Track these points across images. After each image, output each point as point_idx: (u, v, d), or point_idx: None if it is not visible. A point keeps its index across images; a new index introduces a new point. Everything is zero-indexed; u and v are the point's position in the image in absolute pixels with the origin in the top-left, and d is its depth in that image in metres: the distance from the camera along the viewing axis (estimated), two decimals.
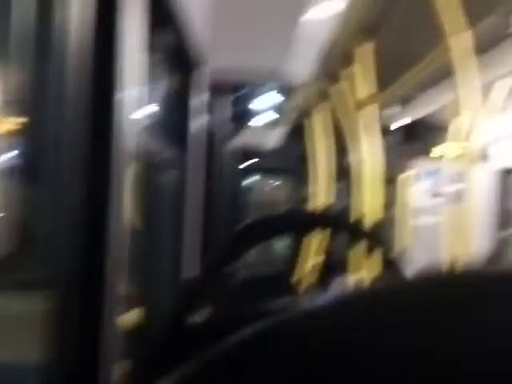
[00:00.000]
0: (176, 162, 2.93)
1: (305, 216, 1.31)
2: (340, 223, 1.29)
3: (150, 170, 2.54)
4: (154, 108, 2.61)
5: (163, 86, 2.71)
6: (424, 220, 8.18)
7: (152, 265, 2.63)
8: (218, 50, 3.00)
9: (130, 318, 2.24)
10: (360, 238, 1.39)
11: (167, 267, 2.78)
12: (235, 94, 3.76)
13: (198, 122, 3.14)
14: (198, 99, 3.05)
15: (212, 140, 3.48)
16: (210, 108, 3.46)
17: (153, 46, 2.43)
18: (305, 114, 7.75)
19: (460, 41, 3.22)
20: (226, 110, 3.90)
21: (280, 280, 5.11)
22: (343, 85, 5.75)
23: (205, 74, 2.99)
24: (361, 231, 1.31)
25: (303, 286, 7.41)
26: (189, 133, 2.98)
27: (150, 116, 2.46)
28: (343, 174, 9.46)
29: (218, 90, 3.51)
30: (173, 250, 2.86)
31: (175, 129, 2.95)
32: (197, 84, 2.95)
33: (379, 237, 1.29)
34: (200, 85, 3.01)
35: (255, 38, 3.01)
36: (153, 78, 2.68)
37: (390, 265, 1.31)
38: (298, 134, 8.25)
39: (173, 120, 2.93)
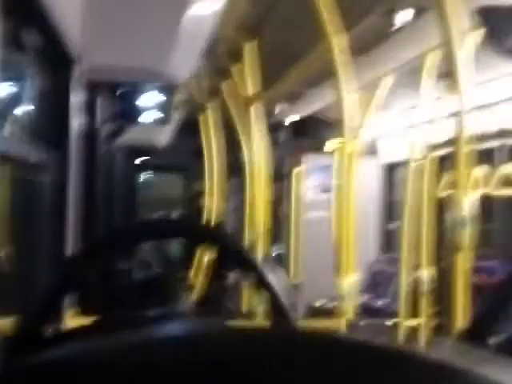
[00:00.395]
0: (55, 161, 2.83)
1: (169, 225, 1.27)
2: (202, 234, 1.26)
3: (24, 170, 2.45)
4: (27, 108, 2.51)
5: (38, 85, 2.62)
6: (315, 214, 8.33)
7: (29, 271, 2.53)
8: (98, 48, 2.92)
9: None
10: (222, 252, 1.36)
11: (46, 271, 2.68)
12: (121, 92, 3.67)
13: (77, 121, 3.05)
14: (77, 98, 2.96)
15: (97, 138, 3.39)
16: (94, 106, 3.37)
17: (20, 45, 2.33)
18: (198, 109, 7.73)
19: (338, 41, 3.28)
20: (111, 107, 3.81)
21: (170, 281, 5.06)
22: (233, 81, 5.76)
23: (83, 73, 2.90)
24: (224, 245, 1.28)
25: (196, 286, 7.40)
26: (69, 132, 2.89)
27: (22, 116, 2.36)
28: (237, 169, 9.51)
29: (103, 88, 3.42)
30: (54, 251, 2.76)
31: (54, 128, 2.85)
32: (75, 82, 2.86)
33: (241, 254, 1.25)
34: (78, 83, 2.93)
35: (136, 36, 2.94)
36: (25, 77, 2.58)
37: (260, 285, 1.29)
38: (191, 131, 8.21)
39: (50, 120, 2.83)
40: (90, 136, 3.20)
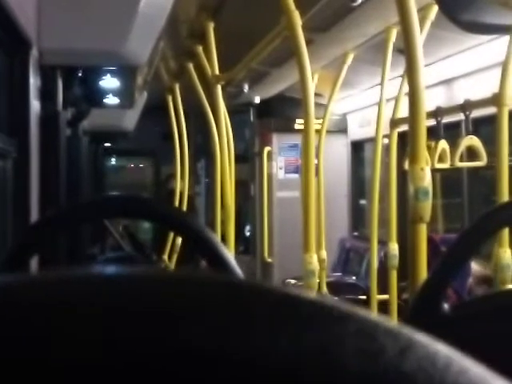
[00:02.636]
0: (16, 147, 2.80)
1: (111, 203, 1.25)
2: (150, 212, 1.24)
3: None
4: None
5: None
6: (286, 193, 8.37)
7: None
8: (55, 31, 2.88)
9: None
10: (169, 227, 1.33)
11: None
12: (81, 76, 3.63)
13: (37, 106, 3.02)
14: (36, 82, 2.93)
15: (59, 123, 3.35)
16: (54, 91, 3.33)
17: None
18: (164, 92, 7.68)
19: (293, 19, 3.27)
20: (73, 92, 3.77)
21: (140, 263, 5.05)
22: (199, 62, 5.73)
23: (40, 57, 2.87)
24: (171, 221, 1.26)
25: (169, 268, 7.39)
26: (28, 117, 2.86)
27: None
28: (205, 152, 9.50)
29: (62, 72, 3.38)
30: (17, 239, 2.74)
31: (12, 114, 2.82)
32: (33, 67, 2.83)
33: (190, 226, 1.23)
34: (36, 68, 2.89)
35: (94, 17, 2.91)
36: None
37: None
38: (158, 113, 8.17)
39: (9, 105, 2.80)
40: (51, 120, 3.17)
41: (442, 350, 0.25)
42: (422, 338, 0.25)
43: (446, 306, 1.24)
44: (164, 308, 0.24)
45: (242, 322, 0.24)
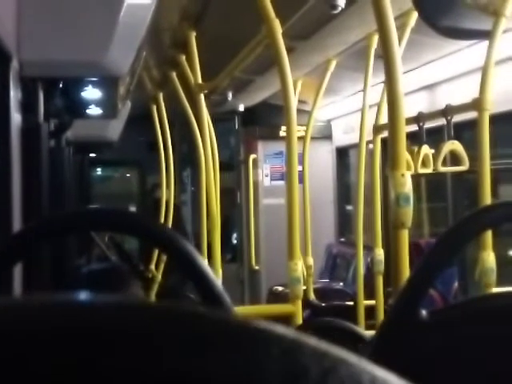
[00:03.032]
0: None
1: (93, 215, 1.25)
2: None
3: None
4: None
5: None
6: (272, 200, 8.37)
7: None
8: (35, 43, 2.88)
9: None
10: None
11: None
12: (63, 87, 3.62)
13: (18, 117, 3.01)
14: (16, 94, 2.92)
15: (41, 134, 3.34)
16: (36, 102, 3.31)
17: None
18: (148, 101, 7.68)
19: (274, 28, 3.29)
20: (55, 103, 3.76)
21: (127, 273, 5.04)
22: (182, 71, 5.73)
23: (19, 68, 2.86)
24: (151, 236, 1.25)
25: (156, 278, 7.38)
26: (9, 128, 2.85)
27: None
28: (190, 161, 9.49)
29: (43, 83, 3.37)
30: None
31: None
32: (13, 78, 2.82)
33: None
34: (17, 79, 2.89)
35: (74, 28, 2.91)
36: None
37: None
38: (142, 123, 8.16)
39: None
40: (33, 132, 3.16)
41: (368, 368, 0.25)
42: (349, 357, 0.25)
43: (423, 311, 1.24)
44: (101, 333, 0.25)
45: (165, 346, 0.24)
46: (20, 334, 0.24)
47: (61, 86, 3.51)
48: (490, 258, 3.45)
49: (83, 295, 0.27)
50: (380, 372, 0.25)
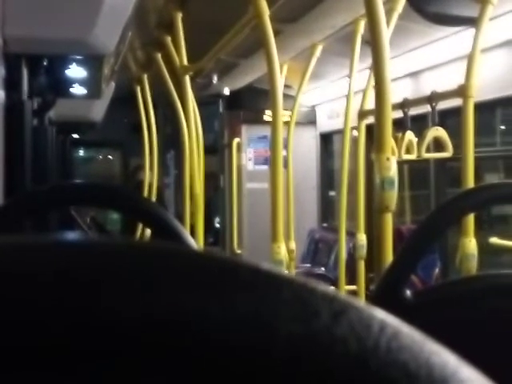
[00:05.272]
0: None
1: (75, 189, 1.24)
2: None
3: None
4: None
5: None
6: (255, 185, 8.37)
7: None
8: (19, 19, 2.84)
9: None
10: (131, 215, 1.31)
11: None
12: (47, 65, 3.58)
13: (1, 95, 2.97)
14: (0, 71, 2.89)
15: (24, 112, 3.31)
16: (19, 80, 3.28)
17: None
18: (132, 82, 7.63)
19: (261, 8, 3.27)
20: (38, 81, 3.73)
21: None
22: (167, 52, 5.70)
23: (3, 45, 2.83)
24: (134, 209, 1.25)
25: None
26: None
27: None
28: (174, 143, 9.46)
29: (27, 61, 3.34)
30: None
31: None
32: None
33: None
34: (0, 56, 2.85)
35: (59, 5, 2.87)
36: None
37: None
38: (126, 104, 8.12)
39: None
40: (16, 110, 3.13)
41: (378, 314, 0.25)
42: (358, 303, 0.25)
43: (408, 292, 1.25)
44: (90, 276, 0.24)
45: (170, 286, 0.24)
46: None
47: (45, 63, 3.47)
48: (471, 243, 3.48)
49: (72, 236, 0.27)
50: (390, 319, 0.25)
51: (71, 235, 0.26)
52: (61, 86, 4.17)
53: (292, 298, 0.24)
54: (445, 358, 0.25)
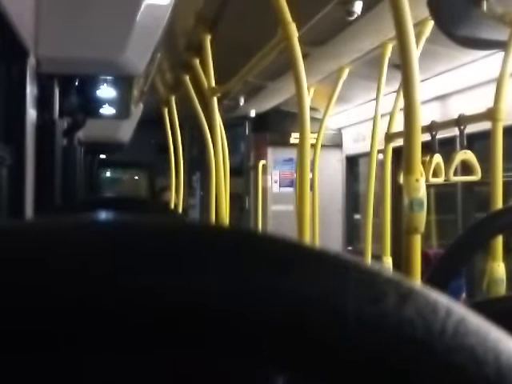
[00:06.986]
0: (12, 155, 2.80)
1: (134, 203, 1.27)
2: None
3: None
4: None
5: None
6: (281, 207, 8.37)
7: None
8: (53, 40, 2.89)
9: None
10: None
11: None
12: (78, 85, 3.63)
13: (34, 114, 3.02)
14: (33, 90, 2.94)
15: (55, 132, 3.35)
16: (51, 99, 3.33)
17: None
18: (161, 103, 7.70)
19: (290, 31, 3.29)
20: (70, 101, 3.78)
21: None
22: (195, 74, 5.75)
23: (38, 65, 2.88)
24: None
25: None
26: (25, 125, 2.86)
27: None
28: (200, 165, 9.51)
29: (59, 80, 3.39)
30: None
31: (9, 122, 2.82)
32: (30, 75, 2.84)
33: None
34: (33, 76, 2.90)
35: (91, 26, 2.92)
36: None
37: None
38: (154, 125, 8.18)
39: (6, 113, 2.80)
40: (47, 129, 3.17)
41: (444, 300, 0.25)
42: (424, 288, 0.25)
43: None
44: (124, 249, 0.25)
45: (235, 265, 0.25)
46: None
47: (76, 83, 3.52)
48: (499, 268, 3.44)
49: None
50: (455, 305, 0.25)
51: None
52: (91, 106, 4.23)
53: (360, 280, 0.25)
54: (511, 344, 0.25)
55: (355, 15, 3.81)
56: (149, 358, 0.43)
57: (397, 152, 5.05)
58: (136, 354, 0.25)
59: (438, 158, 4.22)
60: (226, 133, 6.35)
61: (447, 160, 4.32)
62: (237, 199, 8.43)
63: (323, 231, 6.91)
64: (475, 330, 0.25)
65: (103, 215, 0.27)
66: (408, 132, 2.42)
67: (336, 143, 8.40)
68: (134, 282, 0.24)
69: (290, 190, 8.13)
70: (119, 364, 0.44)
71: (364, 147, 6.69)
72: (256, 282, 0.24)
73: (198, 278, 0.24)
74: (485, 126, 3.73)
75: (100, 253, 0.24)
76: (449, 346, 0.24)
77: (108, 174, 10.99)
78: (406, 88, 2.58)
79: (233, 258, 0.25)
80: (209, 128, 5.77)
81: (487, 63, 4.61)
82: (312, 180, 6.19)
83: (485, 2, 3.35)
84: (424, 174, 4.05)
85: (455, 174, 4.41)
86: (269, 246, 0.26)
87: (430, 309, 0.25)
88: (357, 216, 8.29)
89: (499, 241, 3.35)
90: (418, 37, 4.19)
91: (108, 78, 3.45)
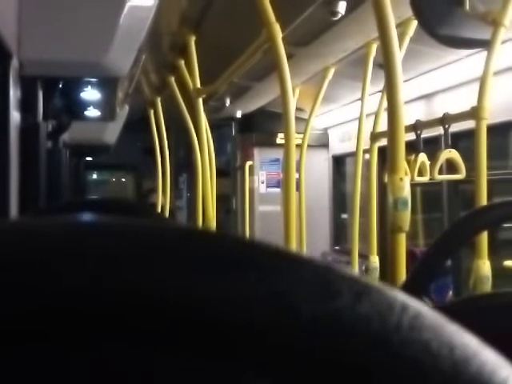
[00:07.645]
0: None
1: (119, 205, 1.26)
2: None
3: None
4: None
5: None
6: (267, 207, 8.37)
7: None
8: (35, 42, 2.88)
9: None
10: None
11: None
12: (62, 87, 3.62)
13: (17, 117, 3.00)
14: (16, 93, 2.92)
15: (39, 134, 3.33)
16: (35, 102, 3.31)
17: None
18: (146, 105, 7.68)
19: (274, 32, 3.30)
20: (54, 103, 3.76)
21: None
22: (180, 75, 5.74)
23: (19, 67, 2.86)
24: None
25: None
26: (8, 127, 2.84)
27: None
28: (187, 166, 9.49)
29: (43, 83, 3.37)
30: None
31: None
32: (13, 77, 2.82)
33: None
34: (16, 78, 2.88)
35: (74, 28, 2.91)
36: None
37: None
38: (139, 127, 8.16)
39: None
40: (31, 132, 3.15)
41: (399, 296, 0.25)
42: (379, 285, 0.26)
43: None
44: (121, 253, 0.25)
45: (195, 267, 0.25)
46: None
47: (60, 86, 3.50)
48: (485, 266, 3.46)
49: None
50: (412, 301, 0.25)
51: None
52: (75, 109, 4.21)
53: (313, 278, 0.25)
54: (466, 339, 0.25)
55: (339, 15, 3.82)
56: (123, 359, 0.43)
57: (382, 151, 5.07)
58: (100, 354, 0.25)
59: (423, 157, 4.24)
60: (212, 134, 6.35)
61: (432, 159, 4.34)
62: (224, 200, 8.43)
63: (310, 231, 6.92)
64: (430, 324, 0.25)
65: (71, 216, 0.27)
66: (392, 131, 2.43)
67: (322, 143, 8.41)
68: (80, 280, 0.24)
69: (277, 190, 8.14)
70: (98, 363, 0.44)
71: (350, 147, 6.70)
72: (206, 282, 0.24)
73: (145, 278, 0.24)
74: (469, 124, 3.75)
75: (59, 251, 0.24)
76: (404, 341, 0.24)
77: (95, 176, 10.96)
78: (390, 88, 2.59)
79: (182, 257, 0.25)
80: (195, 129, 5.77)
81: (471, 62, 4.63)
82: (298, 180, 6.20)
83: (467, 2, 3.37)
84: (409, 172, 4.06)
85: (440, 172, 4.42)
86: (222, 243, 0.26)
87: (385, 305, 0.25)
88: (344, 215, 8.31)
89: (484, 239, 3.37)
90: (401, 36, 4.21)
91: (92, 79, 3.44)
